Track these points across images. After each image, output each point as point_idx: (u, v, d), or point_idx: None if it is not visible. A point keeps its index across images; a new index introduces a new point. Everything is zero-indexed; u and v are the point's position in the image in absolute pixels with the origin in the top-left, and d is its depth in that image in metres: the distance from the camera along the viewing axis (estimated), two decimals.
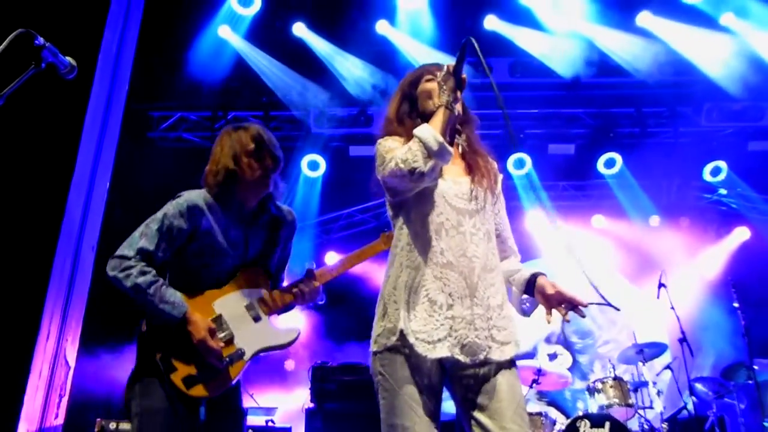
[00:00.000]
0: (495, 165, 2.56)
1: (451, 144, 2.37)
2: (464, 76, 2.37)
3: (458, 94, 2.35)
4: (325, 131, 8.64)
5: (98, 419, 5.01)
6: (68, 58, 2.16)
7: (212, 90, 8.20)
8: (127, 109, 6.67)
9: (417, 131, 2.24)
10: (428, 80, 2.48)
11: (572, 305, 2.28)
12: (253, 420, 6.07)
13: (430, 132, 2.22)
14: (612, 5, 7.67)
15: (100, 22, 6.36)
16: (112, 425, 4.96)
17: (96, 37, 6.29)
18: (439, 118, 2.28)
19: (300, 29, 7.91)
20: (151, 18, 6.74)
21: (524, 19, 7.71)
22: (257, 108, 8.78)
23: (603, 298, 2.25)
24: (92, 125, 6.20)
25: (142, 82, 7.05)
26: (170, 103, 8.65)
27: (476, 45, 2.30)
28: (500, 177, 2.56)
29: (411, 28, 7.66)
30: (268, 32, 7.95)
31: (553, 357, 9.10)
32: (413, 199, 2.33)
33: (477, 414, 2.20)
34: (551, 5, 7.58)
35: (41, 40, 2.03)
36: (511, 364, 2.27)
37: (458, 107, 2.35)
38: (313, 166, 8.75)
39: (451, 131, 2.38)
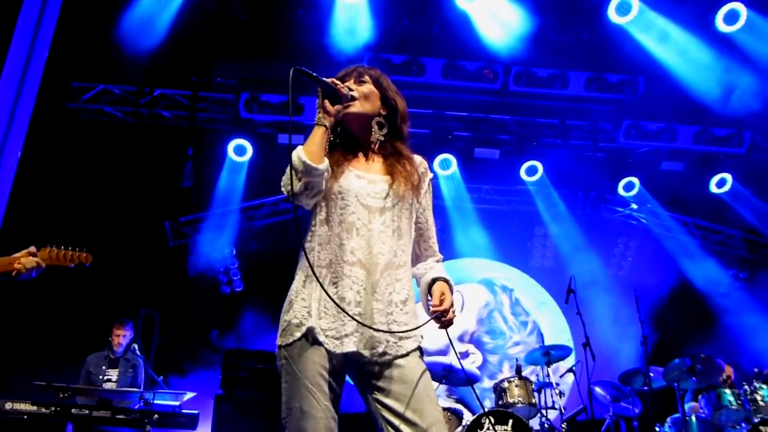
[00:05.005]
0: (424, 163, 2.59)
1: (362, 142, 2.50)
2: (331, 80, 2.40)
3: (336, 104, 2.37)
4: (254, 116, 8.52)
5: None
6: None
7: (139, 64, 7.89)
8: (45, 77, 6.35)
9: (293, 154, 2.30)
10: None
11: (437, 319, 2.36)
12: (160, 403, 5.91)
13: (296, 154, 2.28)
14: (549, 17, 7.87)
15: None
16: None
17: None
18: (310, 137, 2.34)
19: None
20: None
21: (461, 22, 7.80)
22: (185, 87, 8.56)
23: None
24: (6, 91, 5.89)
25: (63, 50, 6.72)
26: (93, 74, 8.31)
27: (291, 78, 2.30)
28: (429, 176, 2.59)
29: (348, 25, 7.60)
30: (204, 11, 7.74)
31: (464, 355, 9.35)
32: (327, 200, 2.37)
33: (383, 398, 2.25)
34: (488, 12, 7.69)
35: None
36: (416, 352, 2.32)
37: (322, 117, 2.36)
38: (239, 151, 8.59)
39: (360, 128, 2.49)
